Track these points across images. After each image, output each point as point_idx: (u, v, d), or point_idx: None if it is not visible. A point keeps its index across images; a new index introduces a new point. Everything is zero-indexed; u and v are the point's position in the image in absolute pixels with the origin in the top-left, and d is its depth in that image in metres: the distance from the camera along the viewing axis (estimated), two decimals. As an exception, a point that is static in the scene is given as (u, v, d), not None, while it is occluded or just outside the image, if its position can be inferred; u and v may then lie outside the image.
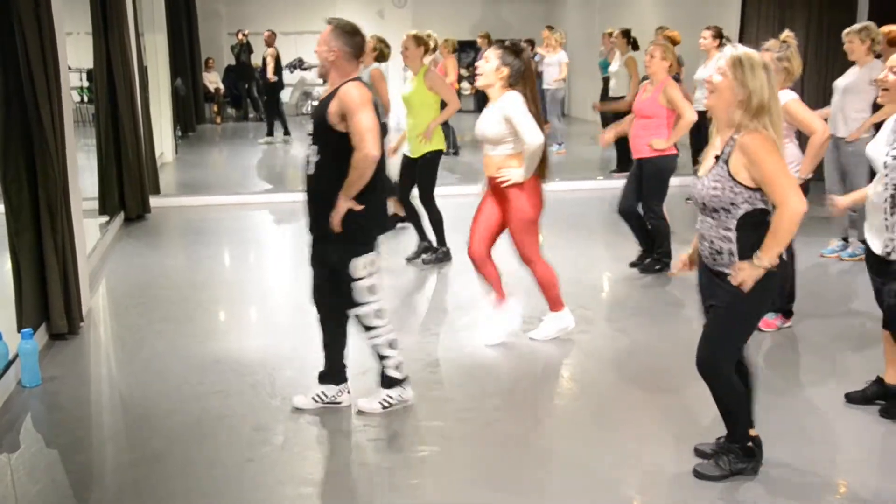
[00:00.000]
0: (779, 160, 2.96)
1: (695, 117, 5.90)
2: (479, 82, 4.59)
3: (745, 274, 3.00)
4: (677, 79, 7.34)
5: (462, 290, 5.89)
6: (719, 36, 8.16)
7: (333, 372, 4.03)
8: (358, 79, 3.72)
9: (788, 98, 4.60)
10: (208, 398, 4.13)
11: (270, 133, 13.78)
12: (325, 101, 3.69)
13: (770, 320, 4.94)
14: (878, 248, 3.63)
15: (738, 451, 3.32)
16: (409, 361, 4.59)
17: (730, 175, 3.01)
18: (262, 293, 6.06)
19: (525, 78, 4.52)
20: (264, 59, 14.01)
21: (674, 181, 6.18)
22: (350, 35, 3.72)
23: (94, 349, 4.97)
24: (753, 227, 3.03)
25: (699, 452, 3.49)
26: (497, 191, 4.67)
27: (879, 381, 3.95)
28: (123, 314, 5.58)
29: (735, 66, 3.00)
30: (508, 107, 4.45)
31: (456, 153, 12.10)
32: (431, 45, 6.64)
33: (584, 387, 4.43)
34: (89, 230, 6.27)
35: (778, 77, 4.53)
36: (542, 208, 4.68)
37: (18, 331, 4.43)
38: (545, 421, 4.00)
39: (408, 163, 6.39)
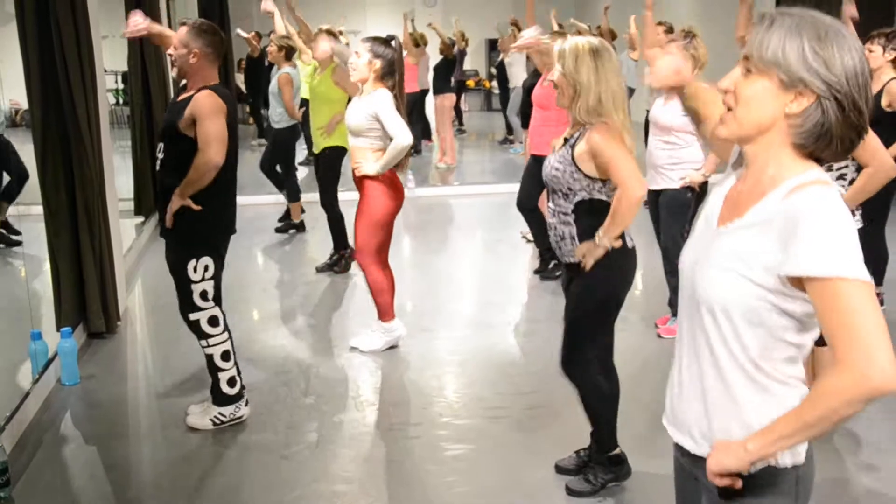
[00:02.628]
0: (619, 147, 2.91)
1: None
2: (353, 77, 4.49)
3: (584, 249, 2.96)
4: None
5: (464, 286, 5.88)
6: (671, 31, 7.80)
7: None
8: (216, 86, 3.62)
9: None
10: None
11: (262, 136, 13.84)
12: (180, 104, 3.58)
13: (672, 326, 4.83)
14: None
15: (605, 462, 3.24)
16: (440, 363, 4.61)
17: (572, 160, 2.97)
18: (296, 292, 6.09)
19: (395, 70, 4.44)
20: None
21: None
22: (210, 34, 3.63)
23: (131, 348, 5.04)
24: (591, 214, 2.99)
25: (560, 469, 3.38)
26: (357, 183, 4.58)
27: None
28: (159, 313, 5.64)
29: (559, 60, 2.95)
30: (378, 105, 4.36)
31: (418, 151, 11.79)
32: (345, 40, 6.70)
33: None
34: (125, 230, 6.35)
35: (686, 65, 4.49)
36: (394, 213, 4.57)
37: (57, 330, 4.50)
38: (580, 419, 3.98)
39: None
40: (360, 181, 4.55)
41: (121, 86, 14.61)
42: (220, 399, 3.82)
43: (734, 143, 1.66)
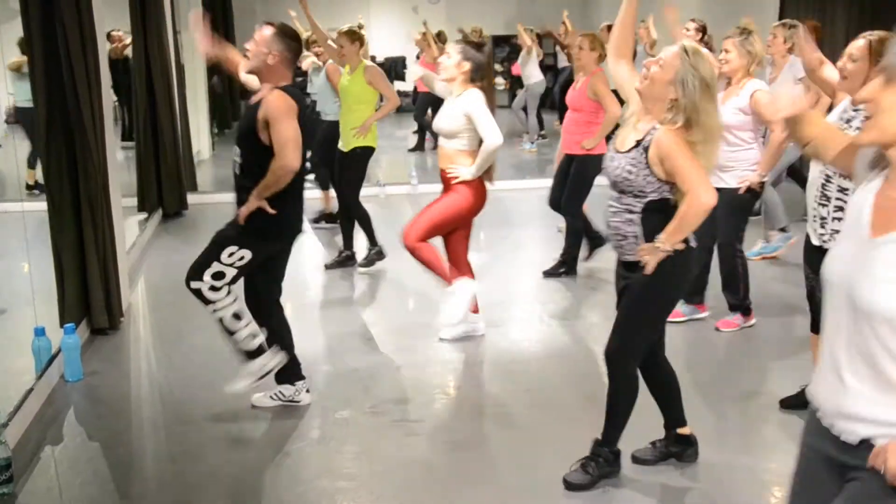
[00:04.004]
0: (689, 155, 2.91)
1: (619, 111, 5.45)
2: (442, 76, 4.59)
3: (647, 252, 2.97)
4: None
5: (484, 281, 5.88)
6: (703, 30, 7.89)
7: (288, 369, 3.96)
8: (287, 86, 3.68)
9: (759, 87, 4.50)
10: (245, 393, 4.15)
11: None
12: (253, 108, 3.65)
13: (730, 320, 4.86)
14: (814, 238, 3.53)
15: (607, 455, 3.27)
16: (443, 360, 4.62)
17: (647, 163, 2.97)
18: (298, 289, 6.09)
19: (486, 73, 4.53)
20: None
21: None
22: (291, 39, 3.72)
23: (135, 344, 5.05)
24: (657, 212, 3.00)
25: (637, 460, 3.42)
26: (446, 184, 4.62)
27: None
28: (162, 309, 5.65)
29: (679, 59, 2.92)
30: (470, 105, 4.42)
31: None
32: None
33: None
34: (129, 227, 6.36)
35: (741, 62, 4.49)
36: (477, 212, 4.61)
37: (61, 326, 4.51)
38: (582, 414, 3.98)
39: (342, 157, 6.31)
40: (448, 180, 4.57)
41: (124, 82, 14.57)
42: (248, 355, 3.83)
43: (874, 148, 1.76)
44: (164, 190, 8.07)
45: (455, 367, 4.52)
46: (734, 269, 4.78)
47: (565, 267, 5.99)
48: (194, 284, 3.74)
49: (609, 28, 10.31)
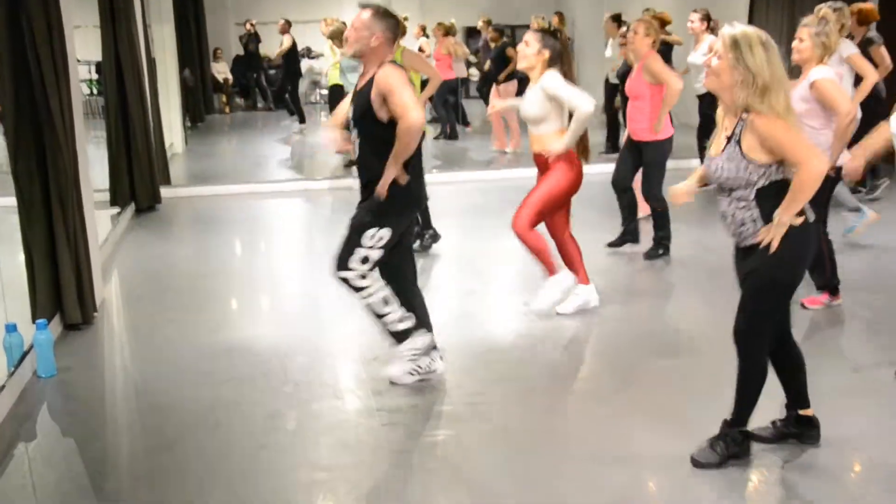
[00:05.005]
0: (791, 131, 2.97)
1: (681, 85, 5.83)
2: (522, 65, 4.80)
3: (766, 232, 3.02)
4: None
5: (462, 276, 5.90)
6: (707, 18, 8.10)
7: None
8: (392, 61, 3.81)
9: (821, 76, 4.53)
10: (221, 386, 4.16)
11: (302, 120, 13.74)
12: (365, 90, 3.76)
13: (816, 297, 4.94)
14: None
15: (736, 436, 3.27)
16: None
17: (743, 155, 3.01)
18: (273, 282, 6.09)
19: (563, 58, 4.76)
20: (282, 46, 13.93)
21: (671, 164, 6.15)
22: (390, 18, 3.84)
23: (108, 339, 5.01)
24: (774, 195, 3.03)
25: (754, 437, 3.39)
26: (542, 168, 4.86)
27: None
28: (136, 304, 5.62)
29: (732, 46, 2.97)
30: (549, 84, 4.67)
31: (455, 137, 12.13)
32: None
33: (594, 371, 4.45)
34: (101, 221, 6.31)
35: (815, 52, 4.55)
36: (577, 189, 4.84)
37: (33, 322, 4.47)
38: (557, 404, 4.01)
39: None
40: (544, 164, 4.79)
41: (95, 76, 14.50)
42: (397, 338, 3.98)
43: None
44: (137, 184, 8.01)
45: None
46: (819, 250, 4.76)
47: (662, 249, 6.13)
48: (342, 274, 3.87)
49: (613, 18, 10.32)
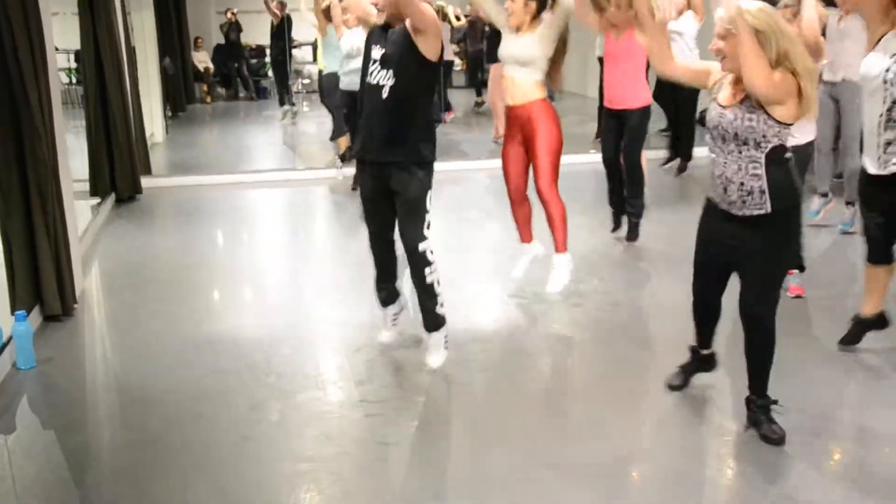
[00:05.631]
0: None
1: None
2: (512, 21, 4.82)
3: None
4: None
5: (452, 269, 5.89)
6: None
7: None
8: None
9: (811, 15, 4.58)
10: (204, 378, 4.13)
11: (292, 102, 13.68)
12: (400, 31, 3.79)
13: (795, 285, 4.95)
14: (872, 168, 3.75)
15: (768, 402, 3.37)
16: (402, 341, 4.63)
17: (765, 110, 3.06)
18: (256, 273, 6.05)
19: (551, 4, 4.76)
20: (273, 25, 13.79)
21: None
22: None
23: (89, 330, 4.97)
24: (778, 164, 3.12)
25: (673, 387, 3.79)
26: (520, 120, 4.86)
27: (857, 318, 4.14)
28: (117, 295, 5.58)
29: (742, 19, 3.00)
30: (546, 22, 4.75)
31: (439, 121, 12.10)
32: None
33: (582, 360, 4.46)
34: (81, 212, 6.25)
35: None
36: (562, 141, 4.91)
37: (12, 313, 4.42)
38: (541, 396, 4.02)
39: None
40: (527, 116, 4.83)
41: (73, 65, 14.34)
42: (435, 322, 4.08)
43: None
44: (117, 174, 7.93)
45: (414, 348, 4.52)
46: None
47: (635, 217, 6.12)
48: (423, 245, 3.89)
49: None
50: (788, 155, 3.17)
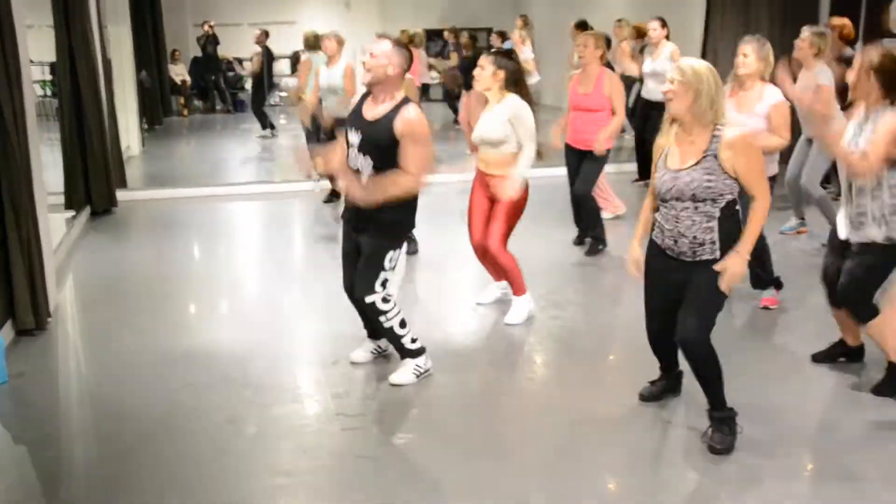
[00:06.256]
0: (761, 159, 3.33)
1: (620, 123, 6.17)
2: (478, 87, 4.83)
3: (734, 270, 3.26)
4: None
5: (431, 280, 5.89)
6: (665, 25, 8.27)
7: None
8: (406, 100, 3.91)
9: (780, 99, 4.74)
10: (179, 391, 4.10)
11: (266, 126, 13.60)
12: (386, 119, 3.84)
13: (768, 297, 5.10)
14: (843, 232, 3.93)
15: (731, 413, 3.46)
16: (390, 358, 4.62)
17: (722, 168, 3.22)
18: (232, 286, 6.02)
19: (519, 79, 4.79)
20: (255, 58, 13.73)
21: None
22: (406, 52, 3.95)
23: (63, 344, 4.92)
24: (728, 217, 3.29)
25: (644, 397, 3.87)
26: (489, 184, 4.88)
27: (841, 342, 4.26)
28: (92, 309, 5.53)
29: (682, 71, 3.23)
30: (519, 113, 4.71)
31: None
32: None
33: (558, 371, 4.47)
34: (55, 225, 6.19)
35: (758, 66, 4.71)
36: (525, 206, 4.91)
37: (-16, 328, 4.37)
38: (517, 406, 4.02)
39: None
40: (495, 185, 4.81)
41: (48, 77, 14.21)
42: (409, 354, 4.16)
43: None
44: (93, 187, 7.88)
45: (392, 361, 4.51)
46: (762, 247, 4.90)
47: (602, 244, 6.38)
48: (369, 298, 3.98)
49: (578, 25, 10.38)
50: (738, 207, 3.33)
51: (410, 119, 3.81)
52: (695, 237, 3.30)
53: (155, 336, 4.87)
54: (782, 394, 4.00)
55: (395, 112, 3.83)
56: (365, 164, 3.88)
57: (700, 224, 3.28)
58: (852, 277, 3.87)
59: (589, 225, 6.45)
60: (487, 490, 3.22)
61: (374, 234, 3.96)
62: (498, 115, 4.74)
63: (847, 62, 6.95)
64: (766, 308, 5.08)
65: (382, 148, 3.84)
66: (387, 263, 3.97)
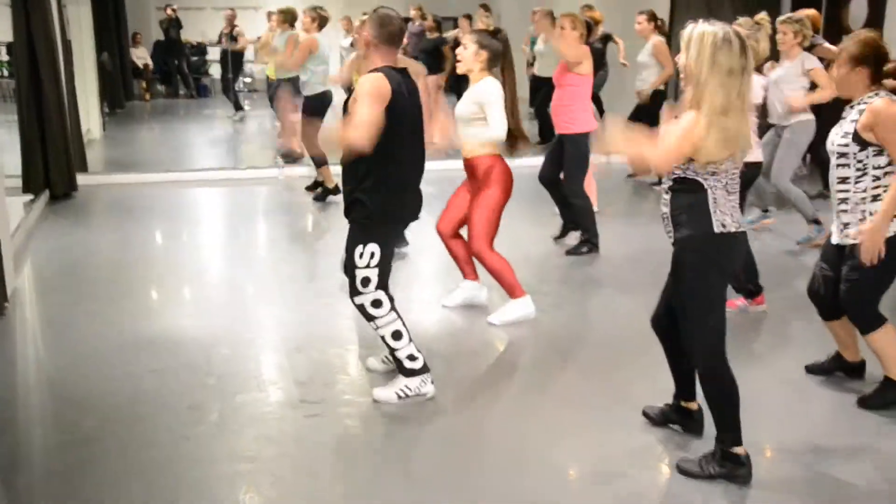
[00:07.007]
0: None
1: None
2: (460, 68, 4.65)
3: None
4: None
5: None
6: (654, 18, 8.34)
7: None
8: (388, 68, 3.67)
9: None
10: (142, 378, 4.06)
11: (240, 107, 13.56)
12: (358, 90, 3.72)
13: (734, 301, 4.88)
14: (835, 237, 3.77)
15: (725, 455, 3.14)
16: (343, 341, 4.62)
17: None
18: (195, 272, 5.96)
19: (504, 59, 4.63)
20: (233, 35, 13.63)
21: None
22: (381, 25, 3.70)
23: (21, 330, 4.84)
24: (684, 193, 3.03)
25: (646, 415, 3.58)
26: (471, 171, 4.74)
27: (838, 355, 4.06)
28: (51, 294, 5.44)
29: (686, 43, 2.96)
30: (485, 93, 4.55)
31: None
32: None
33: (538, 370, 4.49)
34: (13, 208, 6.08)
35: None
36: (508, 197, 4.70)
37: (-61, 312, 4.29)
38: (484, 398, 4.04)
39: None
40: (473, 170, 4.68)
41: (5, 57, 13.94)
42: (402, 371, 3.85)
43: None
44: (52, 170, 7.75)
45: (354, 349, 4.51)
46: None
47: (588, 246, 6.15)
48: (357, 300, 3.80)
49: (548, 14, 10.39)
50: (705, 188, 3.01)
51: (362, 80, 3.68)
52: (664, 212, 3.13)
53: (116, 322, 4.81)
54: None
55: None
56: None
57: (664, 198, 3.13)
58: (849, 281, 3.66)
59: (581, 227, 6.19)
60: (447, 479, 3.23)
61: (350, 225, 3.81)
62: (468, 95, 4.63)
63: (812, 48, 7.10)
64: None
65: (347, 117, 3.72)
66: (357, 259, 3.73)
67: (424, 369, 3.84)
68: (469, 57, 4.57)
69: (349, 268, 3.79)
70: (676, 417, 3.51)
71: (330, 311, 4.99)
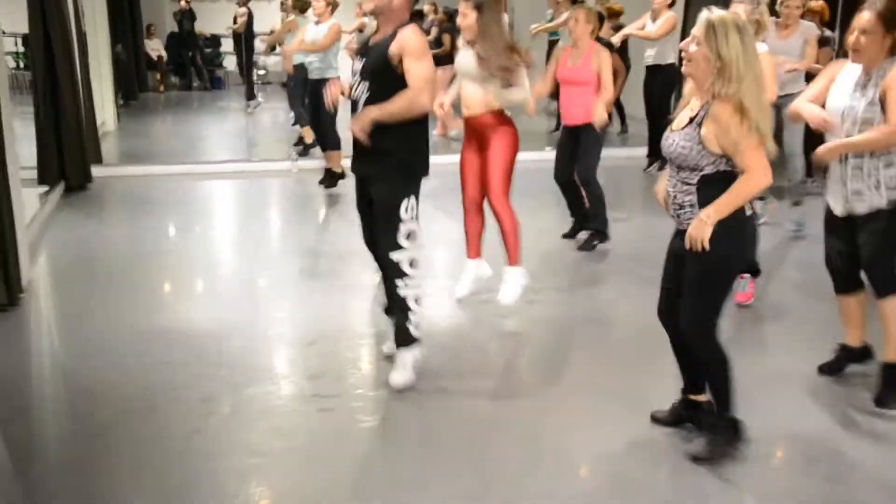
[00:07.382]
0: (750, 135, 2.93)
1: (612, 96, 6.03)
2: (467, 36, 4.69)
3: (691, 233, 3.02)
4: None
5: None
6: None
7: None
8: (411, 22, 3.73)
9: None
10: (154, 370, 4.08)
11: (254, 96, 13.61)
12: (383, 44, 3.69)
13: (745, 292, 4.89)
14: (838, 209, 3.72)
15: (728, 424, 3.27)
16: (356, 335, 4.63)
17: (700, 140, 3.00)
18: (208, 264, 5.99)
19: (497, 3, 4.64)
20: (236, 19, 13.72)
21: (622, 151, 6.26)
22: None
23: (36, 321, 4.87)
24: (716, 184, 3.03)
25: (655, 419, 3.54)
26: (477, 130, 4.77)
27: (843, 347, 4.03)
28: (66, 285, 5.47)
29: (708, 33, 2.94)
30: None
31: None
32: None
33: (550, 363, 4.48)
34: (28, 200, 6.11)
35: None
36: (517, 150, 4.80)
37: (-45, 303, 4.32)
38: (495, 391, 4.04)
39: None
40: (481, 127, 4.73)
41: (21, 49, 13.99)
42: (404, 339, 3.88)
43: None
44: (67, 162, 7.79)
45: (367, 343, 4.51)
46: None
47: (599, 237, 6.15)
48: (395, 256, 3.75)
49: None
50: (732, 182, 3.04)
51: (404, 37, 3.62)
52: (675, 197, 3.13)
53: (130, 314, 4.83)
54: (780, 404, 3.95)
55: (392, 36, 3.65)
56: (363, 90, 3.75)
57: (680, 189, 3.12)
58: (868, 248, 3.65)
59: (591, 214, 6.18)
60: (461, 476, 3.23)
61: (382, 181, 3.76)
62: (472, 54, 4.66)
63: (825, 42, 7.07)
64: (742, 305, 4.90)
65: (377, 73, 3.68)
66: (403, 213, 3.71)
67: (420, 338, 3.94)
68: (471, 24, 4.60)
69: (389, 221, 3.74)
70: (687, 414, 3.49)
71: (342, 306, 5.00)
